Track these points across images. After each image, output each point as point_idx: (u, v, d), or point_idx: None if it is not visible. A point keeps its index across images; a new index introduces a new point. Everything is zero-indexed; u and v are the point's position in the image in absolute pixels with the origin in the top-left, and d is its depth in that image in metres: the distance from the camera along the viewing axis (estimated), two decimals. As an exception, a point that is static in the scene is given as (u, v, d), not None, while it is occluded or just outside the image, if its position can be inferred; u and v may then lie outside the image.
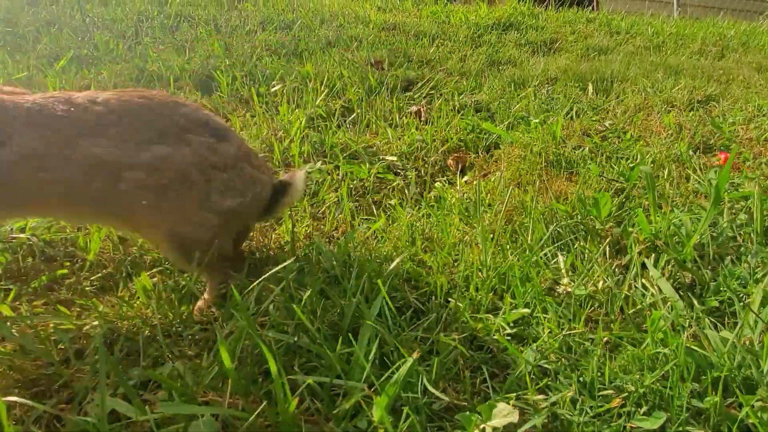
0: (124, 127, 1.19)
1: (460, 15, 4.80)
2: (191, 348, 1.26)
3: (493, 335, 1.17)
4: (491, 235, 1.53)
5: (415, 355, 0.93)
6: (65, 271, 1.50)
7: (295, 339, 1.08)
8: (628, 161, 2.06)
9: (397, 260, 1.27)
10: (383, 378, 0.99)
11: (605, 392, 0.99)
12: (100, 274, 1.51)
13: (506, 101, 2.88)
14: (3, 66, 2.91)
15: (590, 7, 5.93)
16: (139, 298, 1.38)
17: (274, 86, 2.80)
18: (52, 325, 1.28)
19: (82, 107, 1.18)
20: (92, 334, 1.27)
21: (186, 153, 1.22)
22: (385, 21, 4.41)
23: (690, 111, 2.90)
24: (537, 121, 2.36)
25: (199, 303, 1.37)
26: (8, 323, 1.26)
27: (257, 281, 1.18)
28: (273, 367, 0.95)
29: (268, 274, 1.19)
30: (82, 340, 1.28)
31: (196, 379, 1.09)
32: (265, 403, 0.94)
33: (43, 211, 1.33)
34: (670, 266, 1.39)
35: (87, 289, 1.46)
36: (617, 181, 1.82)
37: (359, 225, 1.68)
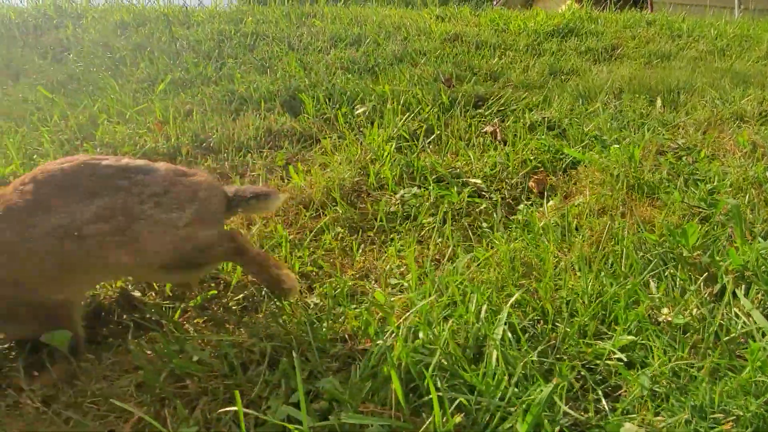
0: (58, 193, 1.32)
1: (518, 22, 4.89)
2: (334, 363, 1.49)
3: (605, 360, 1.34)
4: (586, 262, 1.69)
5: (555, 381, 1.12)
6: (214, 291, 1.75)
7: (442, 360, 1.28)
8: (707, 184, 2.17)
9: (518, 294, 1.46)
10: (523, 398, 1.18)
11: (714, 416, 1.15)
12: (242, 295, 1.75)
13: (577, 117, 3.00)
14: (113, 91, 3.23)
15: (646, 8, 5.89)
16: (283, 316, 1.62)
17: (356, 109, 3.01)
18: (216, 340, 1.53)
19: (15, 194, 1.31)
20: (253, 349, 1.51)
21: (122, 196, 1.35)
22: (446, 31, 4.55)
23: (761, 125, 2.94)
24: (615, 146, 2.47)
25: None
26: (182, 337, 1.52)
27: (409, 313, 1.39)
28: (431, 386, 1.15)
29: (414, 309, 1.39)
30: (242, 354, 1.52)
31: (352, 392, 1.31)
32: (429, 419, 1.14)
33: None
34: (759, 295, 1.52)
35: (234, 308, 1.71)
36: (701, 208, 1.95)
37: (461, 251, 1.86)
